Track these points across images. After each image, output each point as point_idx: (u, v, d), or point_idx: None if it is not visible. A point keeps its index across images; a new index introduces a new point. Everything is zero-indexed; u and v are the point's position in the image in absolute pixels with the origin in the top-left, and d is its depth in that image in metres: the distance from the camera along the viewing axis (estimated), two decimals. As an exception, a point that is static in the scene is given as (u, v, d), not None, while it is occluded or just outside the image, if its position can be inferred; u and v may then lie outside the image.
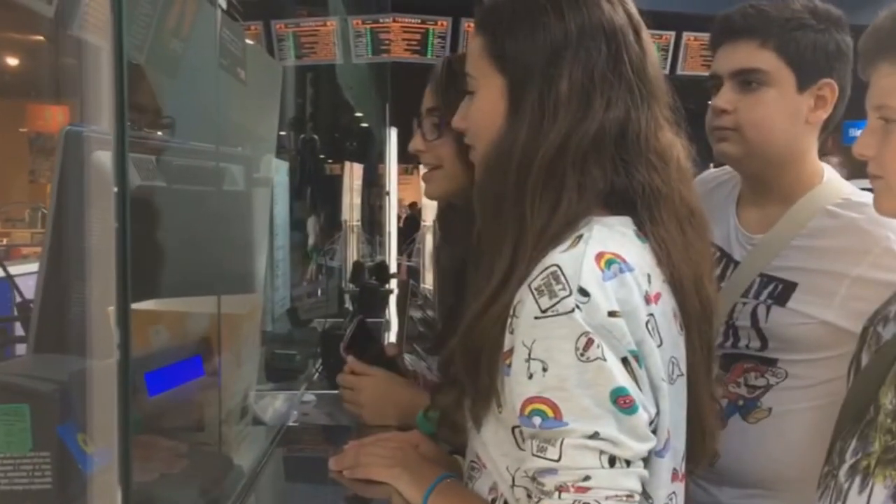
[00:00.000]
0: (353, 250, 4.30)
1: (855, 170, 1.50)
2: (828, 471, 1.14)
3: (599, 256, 0.92)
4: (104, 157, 1.07)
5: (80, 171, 1.10)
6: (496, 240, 0.97)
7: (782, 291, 1.38)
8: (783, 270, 1.40)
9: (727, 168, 1.55)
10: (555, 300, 0.89)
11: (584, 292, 0.89)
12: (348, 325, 1.66)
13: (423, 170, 1.44)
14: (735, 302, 1.41)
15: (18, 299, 3.02)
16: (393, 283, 3.99)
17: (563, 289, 0.89)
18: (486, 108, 1.03)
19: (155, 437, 1.12)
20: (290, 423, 1.64)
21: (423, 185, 1.41)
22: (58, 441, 1.00)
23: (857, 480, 1.05)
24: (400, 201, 8.91)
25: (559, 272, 0.90)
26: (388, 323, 3.25)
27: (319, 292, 3.13)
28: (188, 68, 1.42)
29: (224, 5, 1.34)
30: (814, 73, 1.39)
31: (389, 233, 6.25)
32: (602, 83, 0.97)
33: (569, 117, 0.96)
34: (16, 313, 3.07)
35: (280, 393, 1.79)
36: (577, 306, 0.88)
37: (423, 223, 6.78)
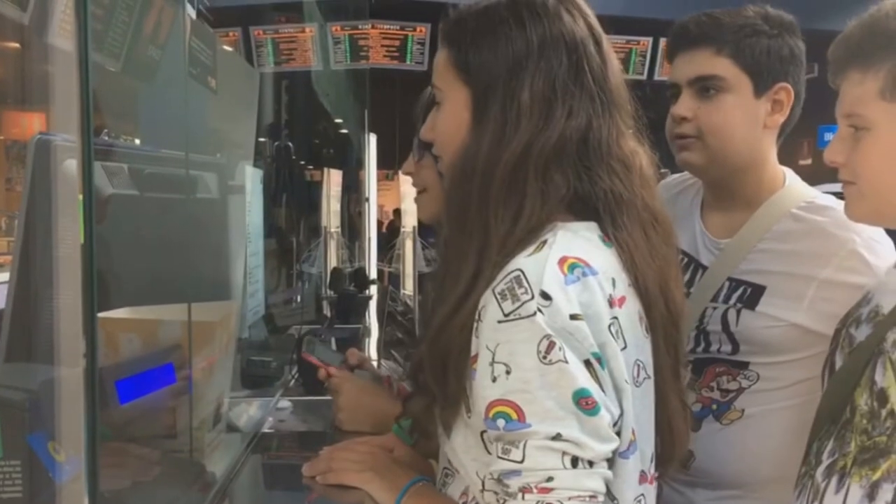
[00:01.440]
0: (332, 256, 4.30)
1: (825, 175, 1.53)
2: (805, 471, 1.16)
3: (563, 261, 0.93)
4: (74, 166, 1.07)
5: (49, 180, 1.10)
6: (461, 247, 0.99)
7: (751, 295, 1.40)
8: (751, 274, 1.42)
9: (689, 174, 1.57)
10: (517, 304, 0.90)
11: (545, 296, 0.90)
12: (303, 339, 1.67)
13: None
14: (705, 307, 1.43)
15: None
16: (373, 290, 4.00)
17: (526, 293, 0.90)
18: (451, 119, 1.05)
19: (126, 444, 1.12)
20: (265, 430, 1.64)
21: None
22: (28, 449, 1.00)
23: (834, 480, 1.07)
24: (381, 207, 8.91)
25: (522, 276, 0.91)
26: (367, 329, 3.26)
27: (298, 299, 3.13)
28: (161, 76, 1.42)
29: (193, 14, 1.34)
30: (769, 78, 1.42)
31: (369, 239, 6.25)
32: (563, 93, 0.99)
33: (530, 126, 0.97)
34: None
35: (255, 399, 1.79)
36: (539, 310, 0.89)
37: (402, 229, 6.78)
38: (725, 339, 1.43)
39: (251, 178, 1.91)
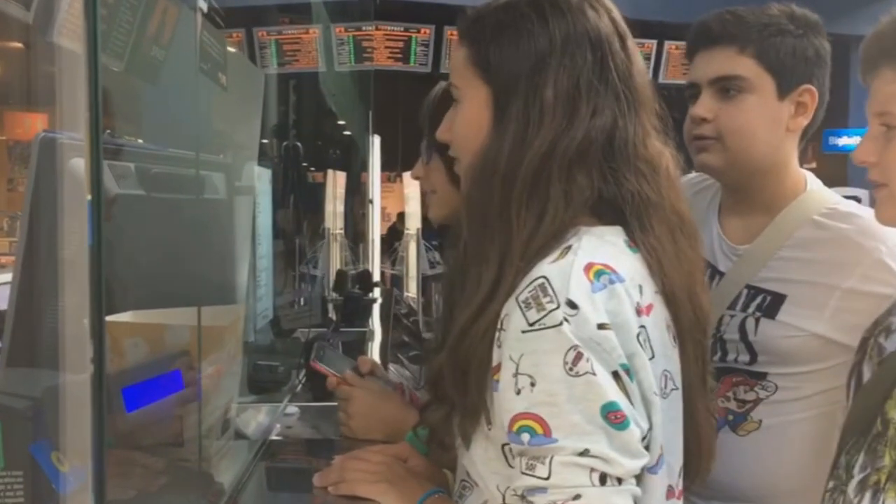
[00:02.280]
0: (335, 259, 4.26)
1: (829, 181, 1.49)
2: (834, 486, 1.12)
3: (588, 267, 0.89)
4: (80, 165, 1.04)
5: (54, 179, 1.06)
6: (482, 251, 0.95)
7: (771, 303, 1.36)
8: (771, 282, 1.38)
9: (703, 174, 1.53)
10: (542, 313, 0.87)
11: (572, 305, 0.86)
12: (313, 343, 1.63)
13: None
14: (722, 314, 1.39)
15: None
16: (376, 292, 3.96)
17: (551, 301, 0.87)
18: (470, 118, 1.01)
19: (133, 454, 1.08)
20: (273, 437, 1.60)
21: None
22: (31, 459, 0.96)
23: (868, 496, 1.04)
24: (383, 210, 8.88)
25: (547, 284, 0.88)
26: (371, 332, 3.22)
27: (302, 302, 3.10)
28: (168, 74, 1.39)
29: (205, 9, 1.31)
30: (793, 79, 1.38)
31: (373, 241, 6.22)
32: (588, 91, 0.95)
33: (554, 125, 0.94)
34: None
35: (263, 405, 1.75)
36: (566, 319, 0.86)
37: (406, 231, 6.75)
38: (743, 348, 1.39)
39: (261, 179, 1.87)
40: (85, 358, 0.94)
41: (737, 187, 1.47)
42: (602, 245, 0.94)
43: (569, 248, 0.92)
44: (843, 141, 9.72)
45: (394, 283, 6.58)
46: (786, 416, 1.38)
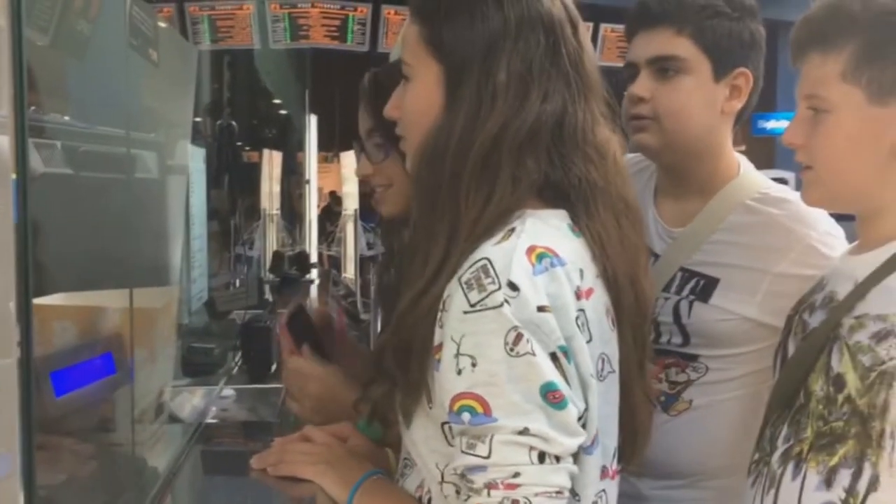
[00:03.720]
0: (272, 240, 4.21)
1: (758, 163, 1.53)
2: (759, 457, 1.15)
3: (531, 250, 0.90)
4: (3, 143, 1.00)
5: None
6: (430, 230, 0.95)
7: (704, 287, 1.39)
8: (704, 265, 1.41)
9: (640, 155, 1.55)
10: (484, 294, 0.87)
11: (513, 286, 0.87)
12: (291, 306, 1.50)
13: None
14: (657, 297, 1.42)
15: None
16: (314, 274, 3.93)
17: (493, 283, 0.87)
18: (421, 96, 1.00)
19: (63, 439, 1.06)
20: (209, 420, 1.58)
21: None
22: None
23: (791, 467, 1.07)
24: (319, 190, 8.80)
25: (489, 266, 0.88)
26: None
27: (238, 283, 3.05)
28: (95, 49, 1.35)
29: (134, -19, 1.27)
30: (729, 62, 1.40)
31: (310, 222, 6.16)
32: (540, 75, 0.95)
33: (506, 108, 0.94)
34: None
35: (197, 388, 1.73)
36: (507, 301, 0.86)
37: (343, 212, 6.71)
38: (676, 330, 1.42)
39: (194, 159, 1.83)
40: (9, 342, 0.91)
41: (672, 168, 1.49)
42: (545, 229, 0.94)
43: (512, 230, 0.92)
44: (772, 124, 9.98)
45: (331, 264, 6.54)
46: (715, 396, 1.42)
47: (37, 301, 0.93)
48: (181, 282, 1.73)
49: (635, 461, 1.10)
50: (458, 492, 0.91)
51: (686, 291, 1.40)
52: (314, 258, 5.28)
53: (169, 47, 1.87)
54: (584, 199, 0.97)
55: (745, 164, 1.48)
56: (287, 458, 1.17)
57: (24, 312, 0.77)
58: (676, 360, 1.41)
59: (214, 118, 2.92)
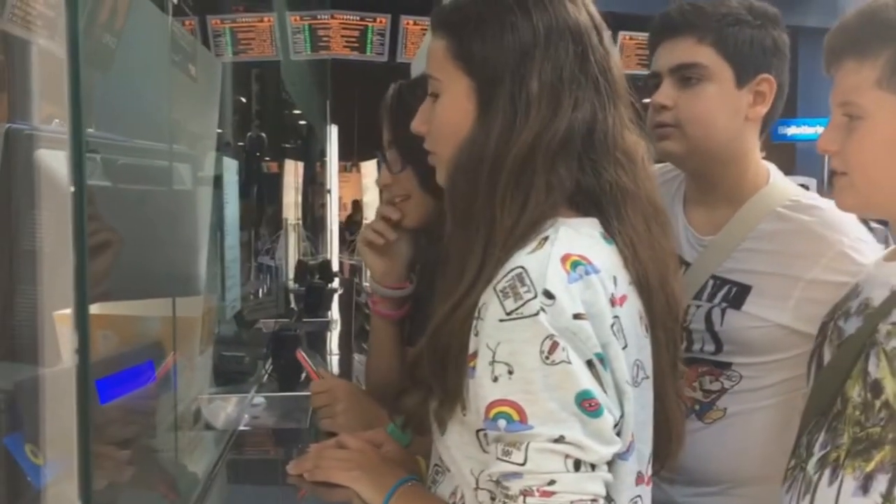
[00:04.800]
0: (295, 249, 4.24)
1: (782, 170, 1.53)
2: (795, 464, 1.16)
3: (565, 258, 0.91)
4: (48, 156, 1.03)
5: (22, 171, 1.05)
6: (467, 240, 0.96)
7: (737, 294, 1.39)
8: (736, 273, 1.41)
9: (670, 165, 1.56)
10: (520, 303, 0.88)
11: (549, 295, 0.88)
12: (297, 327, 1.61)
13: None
14: (688, 304, 1.42)
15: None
16: (336, 282, 3.96)
17: (529, 291, 0.88)
18: (452, 110, 1.02)
19: (107, 446, 1.08)
20: (242, 427, 1.60)
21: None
22: (4, 453, 0.96)
23: (827, 473, 1.07)
24: (340, 199, 8.83)
25: (524, 274, 0.89)
26: (333, 322, 3.22)
27: (264, 292, 3.08)
28: (130, 64, 1.37)
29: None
30: (751, 69, 1.41)
31: (331, 231, 6.19)
32: (570, 83, 0.97)
33: (540, 117, 0.95)
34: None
35: (230, 396, 1.75)
36: (543, 309, 0.87)
37: (364, 221, 6.73)
38: (709, 338, 1.42)
39: (228, 170, 1.86)
40: (58, 350, 0.93)
41: (698, 175, 1.50)
42: (578, 237, 0.96)
43: (546, 238, 0.93)
44: (792, 130, 9.93)
45: (353, 272, 6.57)
46: (750, 405, 1.42)
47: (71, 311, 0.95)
48: (216, 291, 1.75)
49: (669, 466, 1.10)
50: (493, 498, 0.93)
51: (718, 299, 1.40)
52: (336, 267, 5.30)
53: (200, 61, 1.89)
54: (615, 204, 0.99)
55: (774, 172, 1.48)
56: (322, 465, 1.19)
57: (82, 322, 0.79)
58: (710, 368, 1.41)
59: (240, 130, 2.95)
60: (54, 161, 1.00)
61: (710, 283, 1.42)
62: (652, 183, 1.04)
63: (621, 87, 1.02)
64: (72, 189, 0.76)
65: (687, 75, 1.41)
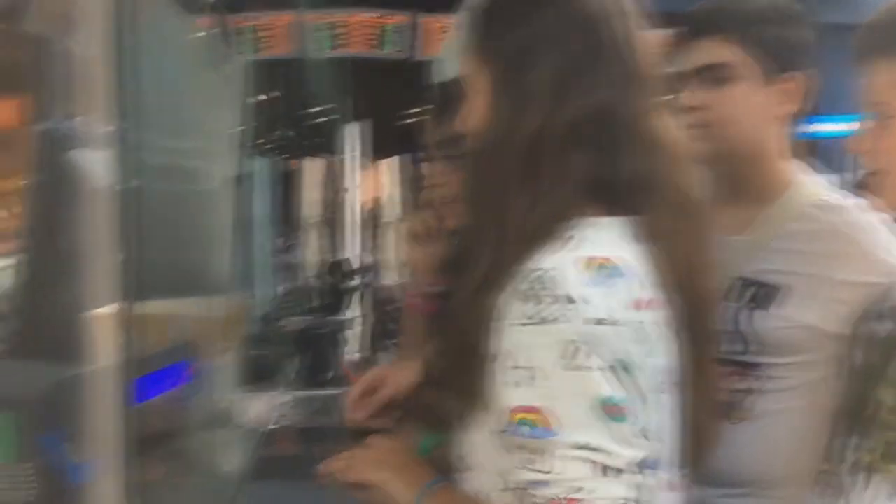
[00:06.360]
0: (317, 247, 4.26)
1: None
2: (827, 469, 1.14)
3: (589, 260, 0.89)
4: (82, 156, 1.04)
5: (57, 171, 1.06)
6: (479, 233, 0.94)
7: (765, 295, 1.38)
8: (764, 274, 1.40)
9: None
10: (541, 306, 0.86)
11: (571, 299, 0.87)
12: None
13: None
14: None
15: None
16: (358, 280, 3.97)
17: (550, 295, 0.86)
18: (479, 107, 1.00)
19: (143, 444, 1.09)
20: (271, 426, 1.61)
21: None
22: (43, 451, 0.96)
23: (860, 478, 1.06)
24: (360, 196, 8.85)
25: (547, 277, 0.87)
26: (355, 320, 3.23)
27: (290, 290, 3.09)
28: (158, 63, 1.38)
29: (211, -1, 1.30)
30: (779, 67, 1.39)
31: (352, 228, 6.20)
32: (580, 69, 0.95)
33: (544, 104, 0.92)
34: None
35: (260, 395, 1.76)
36: (565, 314, 0.86)
37: (383, 219, 6.74)
38: (737, 339, 1.41)
39: (253, 168, 1.86)
40: (96, 349, 0.94)
41: (726, 176, 1.49)
42: (603, 237, 0.93)
43: (569, 239, 0.91)
44: (814, 128, 9.85)
45: (374, 270, 6.58)
46: (777, 405, 1.41)
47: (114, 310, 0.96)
48: (243, 290, 1.76)
49: (698, 468, 1.09)
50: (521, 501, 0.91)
51: (746, 299, 1.39)
52: (357, 265, 5.31)
53: (223, 59, 1.91)
54: (639, 196, 0.95)
55: (801, 172, 1.47)
56: (354, 464, 1.18)
57: (126, 320, 0.80)
58: (737, 368, 1.40)
59: (266, 128, 2.97)
60: (90, 161, 1.01)
61: (738, 283, 1.41)
62: (683, 171, 1.01)
63: (645, 70, 0.99)
64: (113, 187, 0.76)
65: (715, 76, 1.40)
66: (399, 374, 1.42)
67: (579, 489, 0.85)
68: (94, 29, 1.12)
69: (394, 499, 1.12)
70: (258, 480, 1.35)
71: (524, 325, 0.86)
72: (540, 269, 0.88)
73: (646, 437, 0.90)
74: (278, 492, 1.41)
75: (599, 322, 0.86)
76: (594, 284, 0.87)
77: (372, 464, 1.17)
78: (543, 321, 0.86)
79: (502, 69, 0.96)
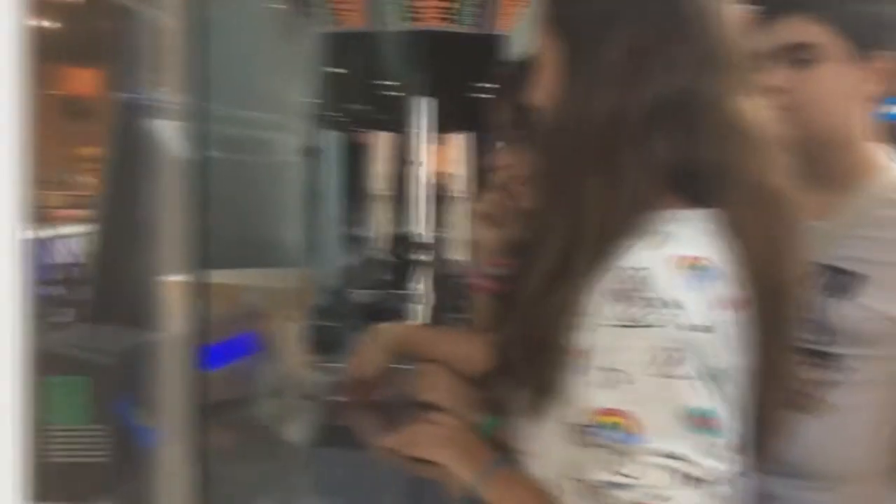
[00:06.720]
0: (385, 221, 4.28)
1: None
2: None
3: (680, 260, 0.85)
4: (160, 126, 1.05)
5: (134, 140, 1.08)
6: (550, 222, 0.91)
7: (847, 284, 1.32)
8: (847, 261, 1.34)
9: None
10: (633, 309, 0.83)
11: (664, 303, 0.83)
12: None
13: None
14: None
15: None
16: (427, 255, 3.98)
17: (641, 297, 0.83)
18: (549, 79, 0.96)
19: (211, 411, 1.11)
20: (337, 398, 1.62)
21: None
22: (115, 414, 0.99)
23: None
24: (429, 171, 8.86)
25: (637, 277, 0.84)
26: (423, 295, 3.24)
27: (358, 263, 3.12)
28: (230, 35, 1.39)
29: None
30: (867, 46, 1.32)
31: (420, 203, 6.22)
32: (660, 47, 0.88)
33: (620, 83, 0.88)
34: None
35: (325, 366, 1.78)
36: (661, 318, 0.83)
37: (452, 194, 6.73)
38: (812, 328, 1.36)
39: (330, 143, 1.88)
40: (169, 316, 0.96)
41: (810, 160, 1.43)
42: (693, 234, 0.89)
43: (661, 235, 0.87)
44: (894, 109, 9.41)
45: (439, 246, 6.59)
46: (855, 398, 1.36)
47: (186, 279, 0.98)
48: (312, 262, 1.78)
49: (764, 458, 1.05)
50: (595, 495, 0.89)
51: (825, 287, 1.34)
52: (423, 239, 5.33)
53: (296, 31, 1.91)
54: (720, 186, 0.90)
55: (887, 156, 1.40)
56: (417, 440, 1.18)
57: (198, 289, 0.81)
58: (814, 359, 1.35)
59: (337, 101, 2.98)
60: (165, 131, 1.03)
61: (818, 271, 1.35)
62: (767, 158, 0.96)
63: (730, 50, 0.94)
64: (187, 158, 0.77)
65: (802, 56, 1.33)
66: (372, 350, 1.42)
67: (662, 497, 0.82)
68: (173, 0, 1.13)
69: (456, 476, 1.12)
70: (323, 447, 1.36)
71: (613, 326, 0.83)
72: (630, 268, 0.84)
73: (730, 448, 0.86)
74: (343, 459, 1.42)
75: (693, 328, 0.83)
76: (687, 288, 0.83)
77: (436, 440, 1.17)
78: (637, 325, 0.82)
79: (576, 43, 0.92)
